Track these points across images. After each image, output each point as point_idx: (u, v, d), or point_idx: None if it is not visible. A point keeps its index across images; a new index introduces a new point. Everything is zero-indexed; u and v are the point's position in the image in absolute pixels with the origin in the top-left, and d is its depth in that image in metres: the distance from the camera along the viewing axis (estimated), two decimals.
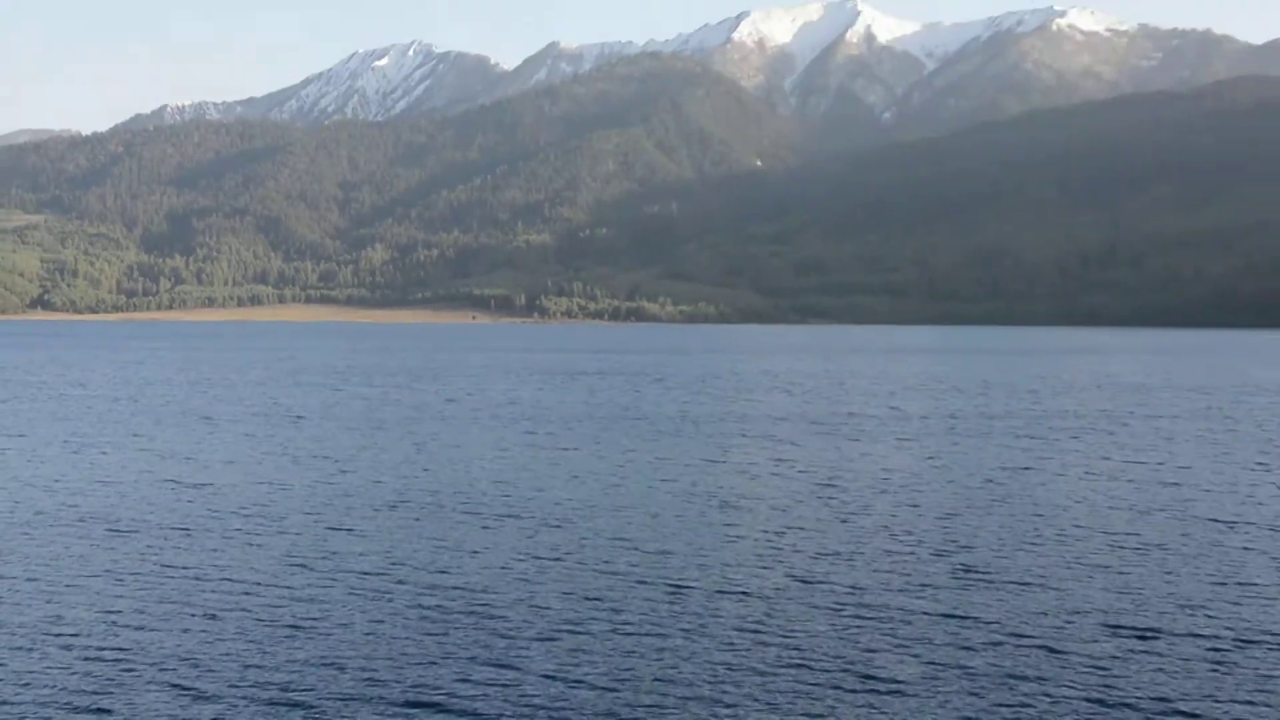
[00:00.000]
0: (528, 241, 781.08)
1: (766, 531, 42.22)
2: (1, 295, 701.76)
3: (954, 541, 40.37)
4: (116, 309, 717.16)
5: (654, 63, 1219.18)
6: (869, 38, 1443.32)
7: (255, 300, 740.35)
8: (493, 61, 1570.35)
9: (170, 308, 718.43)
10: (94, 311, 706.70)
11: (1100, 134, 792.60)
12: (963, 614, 30.55)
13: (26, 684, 24.91)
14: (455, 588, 33.19)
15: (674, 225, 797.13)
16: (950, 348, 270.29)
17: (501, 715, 23.15)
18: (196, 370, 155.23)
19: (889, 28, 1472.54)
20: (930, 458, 64.59)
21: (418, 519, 44.30)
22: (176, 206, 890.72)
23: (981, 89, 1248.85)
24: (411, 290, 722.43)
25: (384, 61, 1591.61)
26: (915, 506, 47.95)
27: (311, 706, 23.70)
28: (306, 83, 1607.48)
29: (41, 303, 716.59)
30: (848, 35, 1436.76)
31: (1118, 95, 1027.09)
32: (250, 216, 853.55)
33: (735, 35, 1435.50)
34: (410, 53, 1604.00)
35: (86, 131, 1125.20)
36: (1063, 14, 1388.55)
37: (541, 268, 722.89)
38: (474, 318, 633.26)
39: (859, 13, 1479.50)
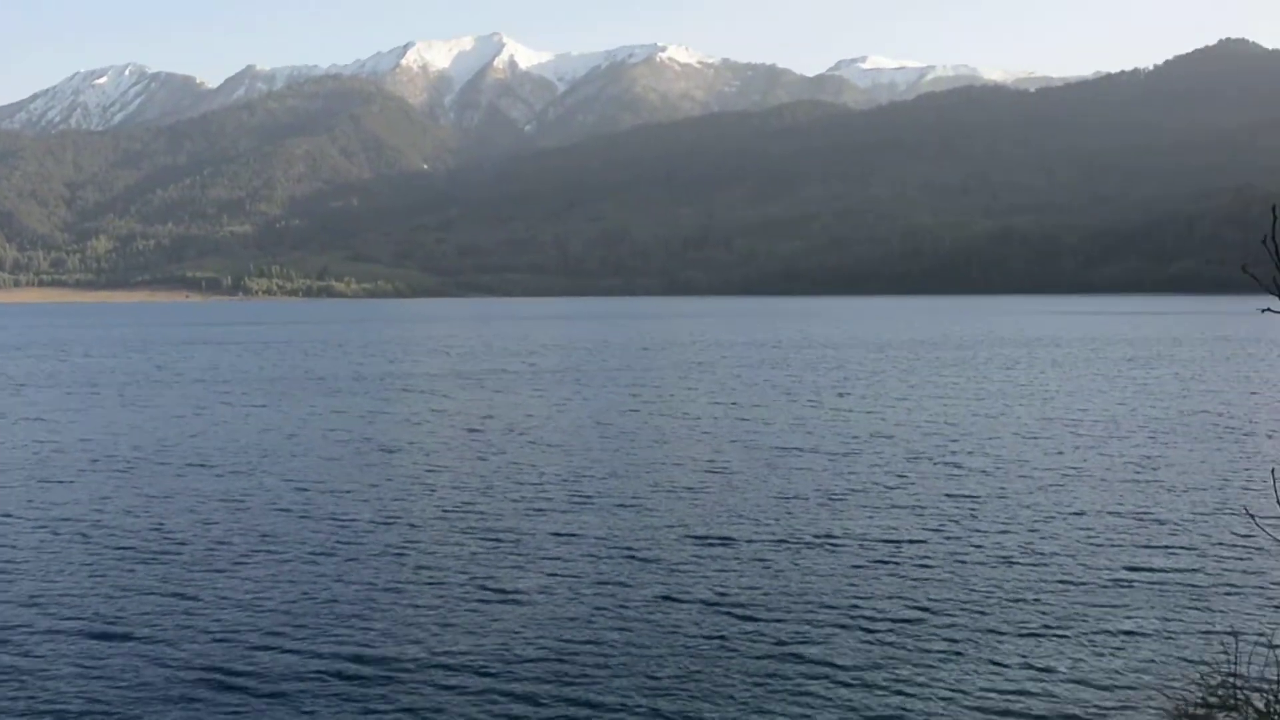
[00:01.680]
0: (232, 232, 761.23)
1: (418, 469, 41.28)
2: None
3: (571, 472, 40.13)
4: None
5: (336, 83, 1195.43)
6: (512, 64, 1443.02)
7: None
8: (198, 80, 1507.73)
9: None
10: None
11: (695, 143, 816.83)
12: (571, 532, 30.20)
13: None
14: (147, 529, 31.09)
15: (356, 217, 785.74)
16: (581, 315, 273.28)
17: (179, 638, 21.56)
18: None
19: (528, 56, 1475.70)
20: (557, 404, 64.54)
21: (120, 470, 41.65)
22: None
23: (603, 107, 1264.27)
24: (133, 274, 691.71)
25: (103, 80, 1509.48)
26: (543, 446, 47.62)
27: (5, 632, 21.61)
28: (34, 97, 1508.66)
29: None
30: (495, 62, 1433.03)
31: (708, 114, 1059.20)
32: None
33: (403, 61, 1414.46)
34: (126, 72, 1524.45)
35: None
36: (664, 49, 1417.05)
37: (245, 253, 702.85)
38: (187, 296, 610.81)
39: (504, 44, 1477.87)
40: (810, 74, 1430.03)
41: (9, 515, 33.35)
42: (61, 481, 39.38)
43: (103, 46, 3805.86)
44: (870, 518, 31.63)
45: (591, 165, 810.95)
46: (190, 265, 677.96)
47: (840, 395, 66.77)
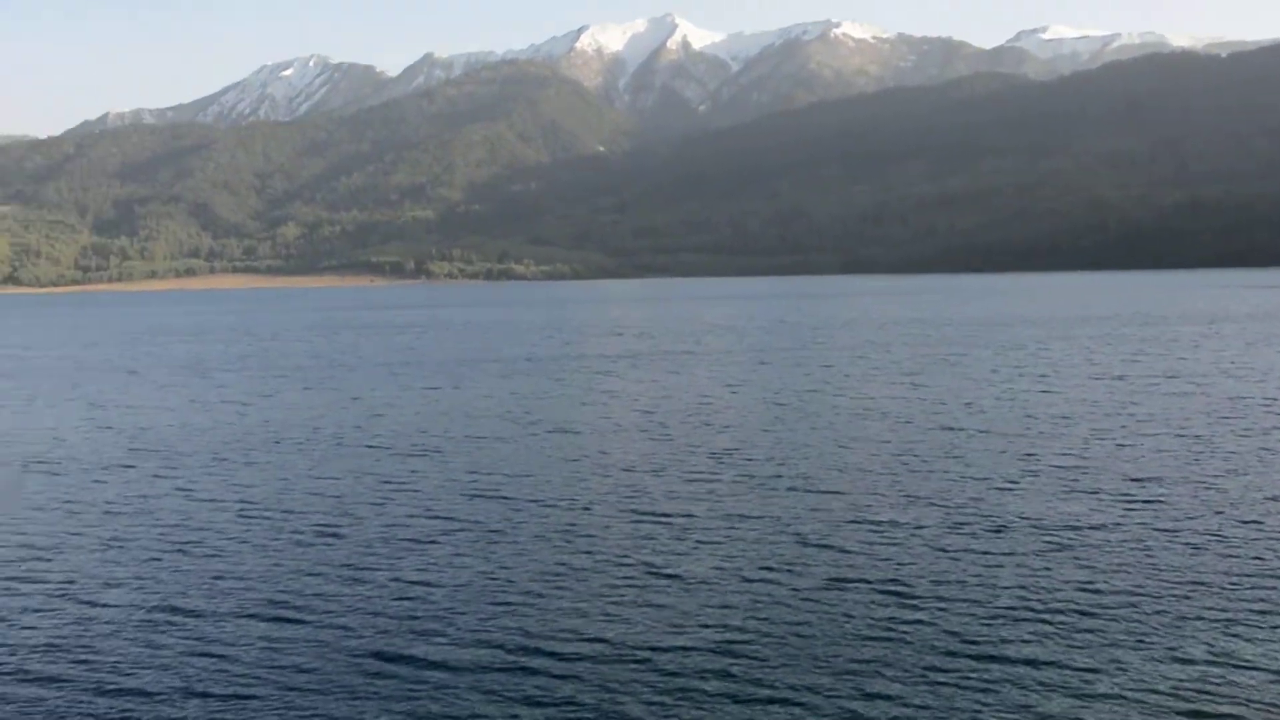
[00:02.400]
0: (414, 217, 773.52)
1: (590, 451, 41.41)
2: None
3: (743, 454, 39.77)
4: (75, 283, 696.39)
5: (512, 69, 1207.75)
6: (685, 45, 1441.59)
7: (190, 272, 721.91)
8: (378, 70, 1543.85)
9: (120, 280, 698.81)
10: (55, 285, 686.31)
11: (871, 119, 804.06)
12: (741, 514, 29.89)
13: None
14: (325, 511, 31.81)
15: (534, 201, 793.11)
16: (756, 294, 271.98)
17: (351, 620, 21.96)
18: (128, 333, 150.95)
19: (701, 37, 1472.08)
20: (730, 385, 64.22)
21: (301, 452, 42.76)
22: (121, 196, 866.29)
23: (777, 85, 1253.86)
24: (320, 260, 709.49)
25: (289, 72, 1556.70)
26: (716, 427, 47.38)
27: (190, 612, 22.30)
28: (225, 91, 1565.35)
29: (11, 279, 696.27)
30: (668, 43, 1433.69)
31: (883, 89, 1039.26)
32: (183, 203, 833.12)
33: (578, 44, 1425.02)
34: (311, 64, 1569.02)
35: (42, 135, 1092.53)
36: (839, 25, 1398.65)
37: (426, 238, 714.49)
38: (371, 281, 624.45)
39: (676, 26, 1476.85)
40: (988, 46, 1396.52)
41: (196, 496, 34.50)
42: (247, 463, 40.60)
43: (288, 40, 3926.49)
44: (1049, 502, 30.62)
45: (766, 144, 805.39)
46: (374, 250, 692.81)
47: (1020, 374, 65.03)
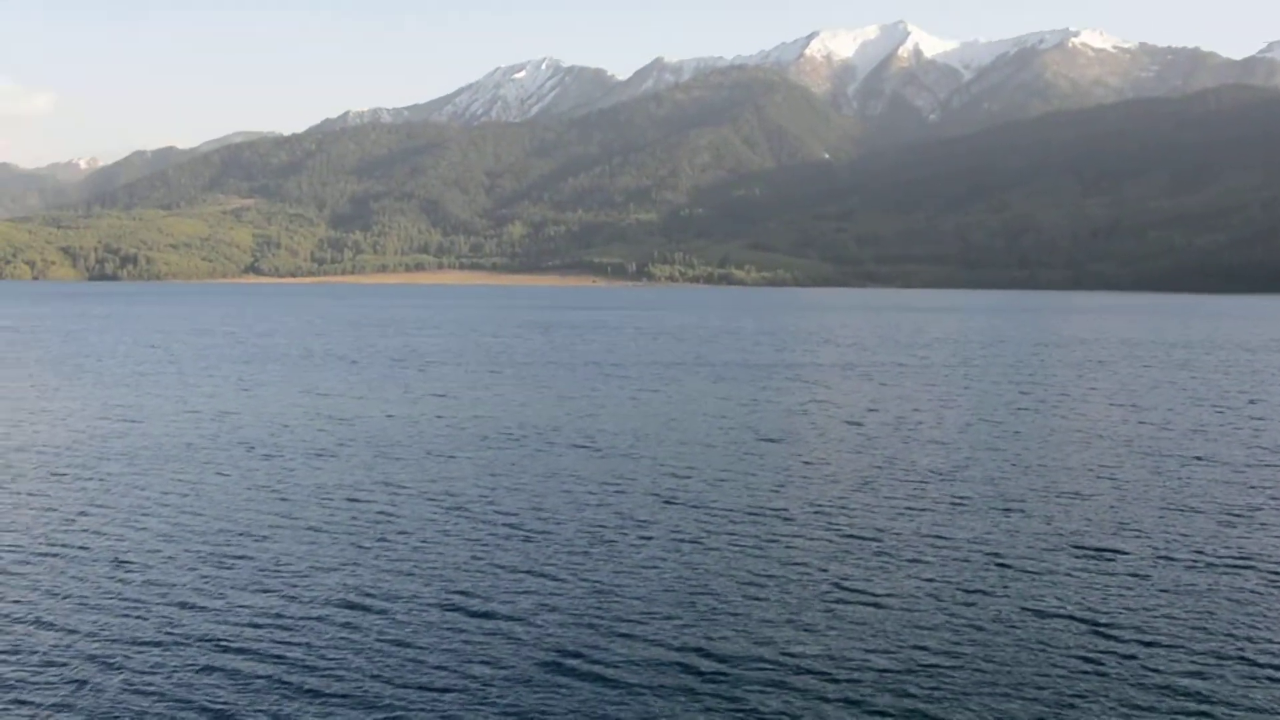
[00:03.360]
0: (638, 219, 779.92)
1: (793, 461, 40.93)
2: (223, 263, 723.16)
3: (950, 472, 38.76)
4: (310, 274, 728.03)
5: (741, 73, 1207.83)
6: (917, 53, 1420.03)
7: (419, 267, 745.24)
8: (609, 73, 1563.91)
9: (352, 272, 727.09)
10: (293, 276, 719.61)
11: (1108, 132, 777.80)
12: (941, 535, 29.04)
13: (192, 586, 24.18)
14: (525, 508, 32.20)
15: (757, 206, 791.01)
16: (980, 308, 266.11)
17: (536, 619, 22.07)
18: (355, 324, 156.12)
19: (933, 45, 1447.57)
20: (944, 400, 62.77)
21: (507, 448, 43.43)
22: (358, 192, 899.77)
23: (1010, 94, 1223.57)
24: (544, 259, 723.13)
25: (521, 74, 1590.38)
26: (924, 442, 46.33)
27: (387, 602, 22.74)
28: (459, 92, 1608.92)
29: (253, 268, 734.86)
30: (899, 51, 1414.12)
31: (1122, 100, 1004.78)
32: (415, 200, 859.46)
33: (807, 51, 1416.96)
34: (543, 66, 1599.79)
35: (287, 132, 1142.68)
36: (1077, 34, 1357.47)
37: (649, 240, 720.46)
38: (594, 281, 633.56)
39: (909, 33, 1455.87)
40: (1237, 57, 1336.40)
41: (402, 487, 35.32)
42: (452, 457, 41.43)
43: (522, 42, 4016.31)
44: (1272, 539, 28.87)
45: (996, 154, 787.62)
46: (597, 251, 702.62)
47: (1251, 402, 61.83)
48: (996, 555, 26.92)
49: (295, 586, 24.20)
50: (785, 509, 32.19)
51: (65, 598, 23.36)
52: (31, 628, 21.51)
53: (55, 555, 26.77)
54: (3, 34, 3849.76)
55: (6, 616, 22.13)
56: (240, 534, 28.94)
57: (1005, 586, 24.32)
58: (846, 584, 24.43)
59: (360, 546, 27.68)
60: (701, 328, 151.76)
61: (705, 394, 64.24)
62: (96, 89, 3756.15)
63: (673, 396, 62.68)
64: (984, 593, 23.87)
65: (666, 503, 33.02)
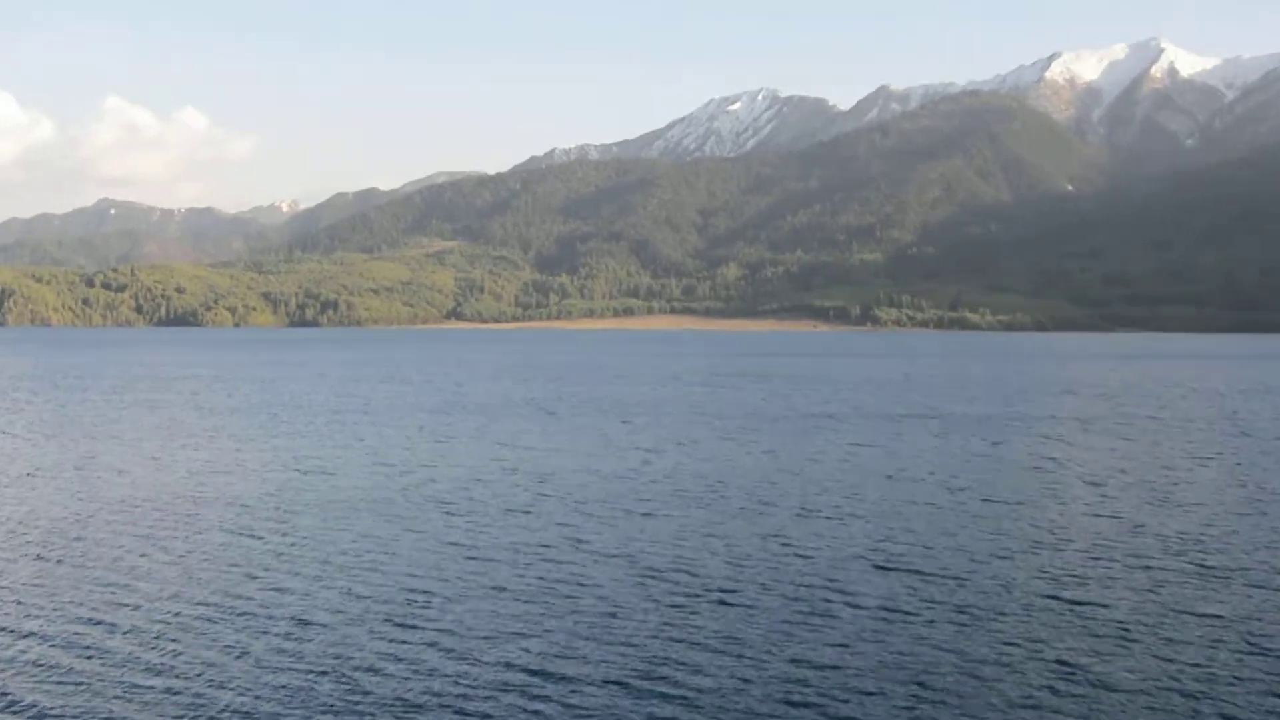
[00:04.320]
0: (862, 259, 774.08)
1: (1019, 524, 39.81)
2: (424, 308, 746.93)
3: (1205, 540, 37.12)
4: (515, 319, 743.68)
5: (974, 100, 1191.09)
6: (1172, 72, 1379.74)
7: (628, 311, 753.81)
8: (830, 103, 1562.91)
9: (558, 318, 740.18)
10: (496, 321, 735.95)
11: None
12: (1191, 611, 27.85)
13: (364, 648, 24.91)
14: (711, 571, 32.14)
15: (992, 243, 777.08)
16: (1248, 355, 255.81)
17: (723, 692, 21.99)
18: (541, 371, 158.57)
19: (1190, 63, 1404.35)
20: (1200, 459, 60.40)
21: (702, 506, 43.46)
22: (564, 232, 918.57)
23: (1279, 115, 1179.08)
24: (760, 302, 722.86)
25: (736, 106, 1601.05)
26: (1174, 506, 44.66)
27: (567, 670, 22.97)
28: (671, 125, 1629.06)
29: (455, 313, 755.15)
30: (1152, 70, 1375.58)
31: None
32: (624, 240, 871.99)
33: (1047, 74, 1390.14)
34: (759, 98, 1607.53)
35: (491, 171, 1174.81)
36: None
37: (874, 282, 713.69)
38: (814, 326, 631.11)
39: (1162, 50, 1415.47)
40: None
41: (595, 547, 35.59)
42: (645, 513, 41.63)
43: (737, 72, 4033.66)
44: None
45: (1265, 181, 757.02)
46: (818, 294, 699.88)
47: None
48: (1255, 637, 25.74)
49: (479, 651, 24.58)
50: (1008, 578, 31.36)
51: (244, 655, 24.21)
52: (209, 687, 22.34)
53: (238, 612, 27.76)
54: (207, 78, 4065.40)
55: (185, 675, 23.07)
56: (426, 593, 29.60)
57: (1268, 674, 23.23)
58: (1077, 665, 23.65)
59: (549, 610, 27.97)
60: (929, 376, 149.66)
61: (929, 449, 63.27)
62: (298, 131, 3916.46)
63: (893, 451, 61.88)
64: (1243, 681, 22.81)
65: (879, 568, 32.53)
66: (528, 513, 41.98)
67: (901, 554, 34.58)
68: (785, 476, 51.78)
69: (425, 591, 29.81)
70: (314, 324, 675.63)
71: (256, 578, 31.36)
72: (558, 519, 40.66)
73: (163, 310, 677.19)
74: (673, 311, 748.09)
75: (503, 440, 67.05)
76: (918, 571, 32.15)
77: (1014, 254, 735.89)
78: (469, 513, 41.88)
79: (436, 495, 46.08)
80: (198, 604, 28.51)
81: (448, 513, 41.92)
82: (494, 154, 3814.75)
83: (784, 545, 35.83)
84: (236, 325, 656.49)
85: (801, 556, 34.15)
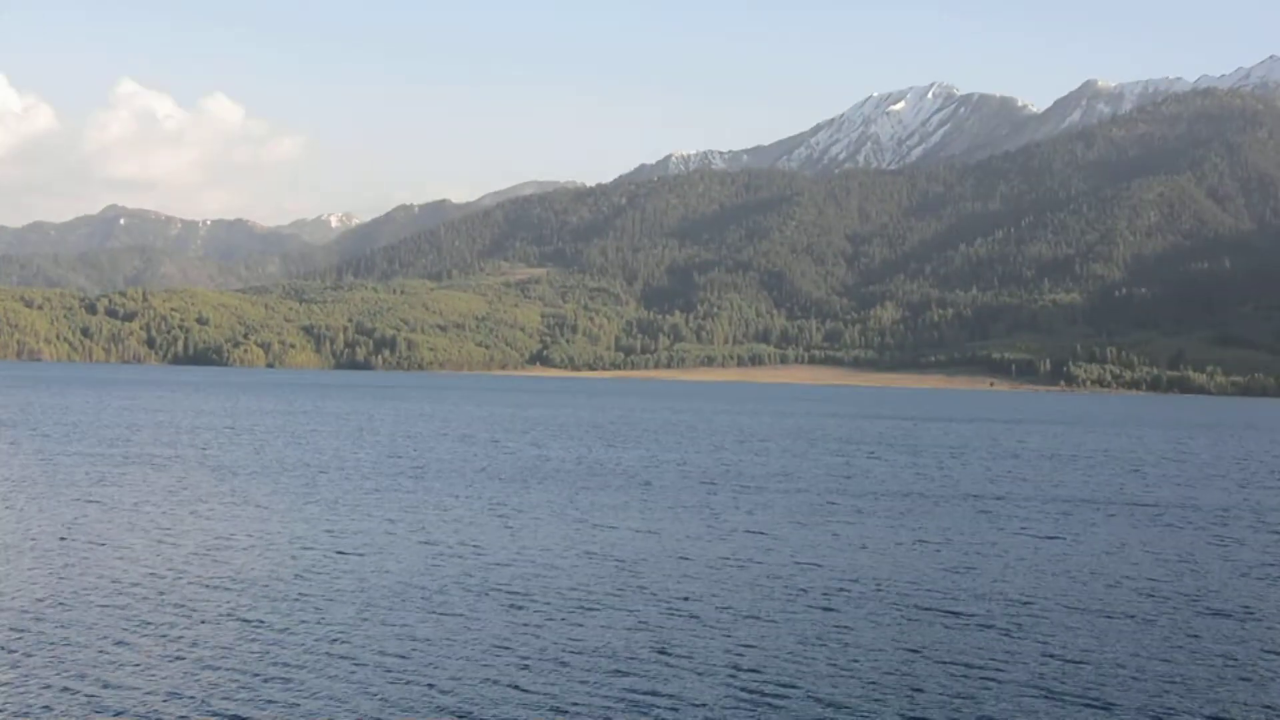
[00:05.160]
0: (1054, 301, 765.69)
1: (1233, 648, 39.18)
2: (502, 350, 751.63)
3: None
4: (614, 366, 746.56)
5: (1206, 101, 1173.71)
6: None
7: (756, 360, 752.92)
8: (1020, 103, 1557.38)
9: (668, 366, 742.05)
10: (591, 369, 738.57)
11: None
12: None
13: None
14: (856, 695, 31.98)
15: (1227, 284, 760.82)
16: None
17: None
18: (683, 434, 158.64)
19: None
20: None
21: (833, 608, 43.28)
22: (678, 259, 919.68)
23: None
24: (923, 352, 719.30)
25: (900, 105, 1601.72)
26: None
27: None
28: (817, 129, 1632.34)
29: (540, 358, 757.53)
30: None
31: None
32: (753, 271, 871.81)
33: None
34: (929, 95, 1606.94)
35: (591, 183, 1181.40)
36: None
37: (1069, 330, 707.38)
38: (991, 384, 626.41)
39: None
40: None
41: (686, 656, 35.70)
42: (758, 617, 41.67)
43: (902, 64, 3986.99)
44: None
45: None
46: (997, 344, 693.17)
47: None
48: None
49: None
50: (1203, 712, 30.97)
51: None
52: None
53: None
54: (244, 60, 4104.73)
55: None
56: (465, 706, 29.71)
57: None
58: None
59: None
60: (1134, 451, 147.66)
61: (1123, 545, 62.38)
62: (353, 128, 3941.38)
63: (1078, 548, 61.07)
64: None
65: (1050, 698, 32.40)
66: (604, 608, 42.18)
67: (1077, 677, 34.31)
68: (937, 573, 51.42)
69: (466, 702, 29.84)
70: (366, 366, 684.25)
71: (271, 681, 31.62)
72: (639, 618, 40.77)
73: (180, 345, 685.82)
74: (812, 361, 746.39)
75: (584, 517, 67.25)
76: (1098, 703, 31.76)
77: (1254, 298, 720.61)
78: (536, 608, 42.03)
79: (498, 584, 46.37)
80: (197, 717, 28.77)
81: (511, 605, 42.17)
82: (594, 162, 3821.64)
83: (934, 660, 35.58)
84: (270, 365, 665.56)
85: (956, 675, 33.94)
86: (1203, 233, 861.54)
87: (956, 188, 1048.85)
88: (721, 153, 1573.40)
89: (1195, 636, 40.26)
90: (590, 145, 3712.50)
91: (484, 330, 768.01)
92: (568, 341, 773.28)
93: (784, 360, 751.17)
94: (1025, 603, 45.41)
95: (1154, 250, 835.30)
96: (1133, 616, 43.56)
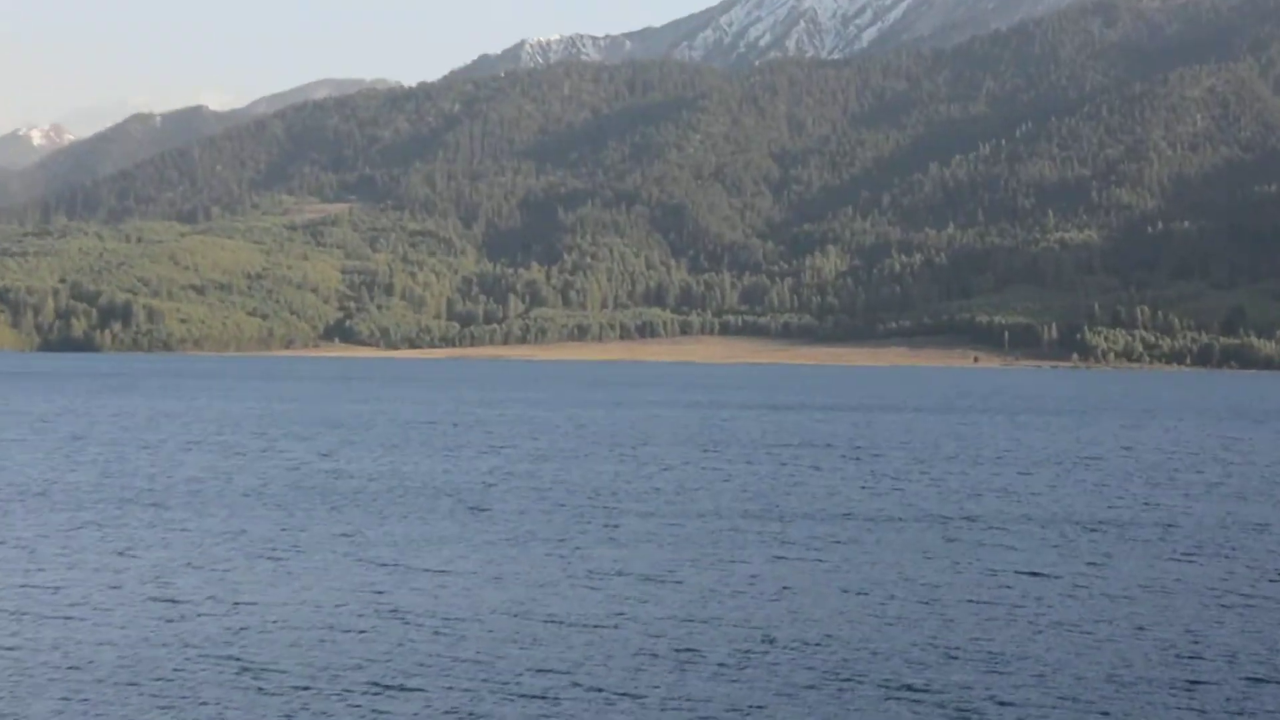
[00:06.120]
0: (1062, 242, 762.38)
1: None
2: (286, 322, 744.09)
3: None
4: (446, 342, 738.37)
5: None
6: None
7: (647, 330, 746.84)
8: None
9: (523, 341, 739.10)
10: (414, 346, 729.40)
11: None
12: None
13: None
14: None
15: None
16: None
17: None
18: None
19: None
20: None
21: (803, 655, 43.45)
22: (535, 190, 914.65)
23: None
24: (880, 316, 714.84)
25: None
26: None
27: None
28: (729, 4, 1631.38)
29: (341, 332, 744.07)
30: None
31: None
32: (641, 205, 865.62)
33: None
34: None
35: (410, 82, 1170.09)
36: None
37: (1084, 282, 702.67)
38: (975, 359, 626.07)
39: None
40: None
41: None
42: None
43: None
44: None
45: None
46: (982, 303, 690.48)
47: None
48: None
49: None
50: None
51: None
52: None
53: None
54: None
55: None
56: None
57: None
58: None
59: None
60: (1169, 450, 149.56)
61: (1149, 587, 63.10)
62: (62, 5, 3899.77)
63: (1083, 590, 61.87)
64: None
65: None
66: (416, 691, 41.96)
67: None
68: (888, 628, 51.68)
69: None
70: (88, 346, 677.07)
71: None
72: (466, 706, 40.68)
73: None
74: (725, 331, 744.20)
75: (390, 558, 67.32)
76: None
77: None
78: (309, 693, 41.90)
79: (260, 660, 46.21)
80: None
81: (275, 691, 42.00)
82: (414, 55, 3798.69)
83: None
84: None
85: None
86: (1269, 143, 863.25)
87: (925, 84, 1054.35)
88: (595, 38, 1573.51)
89: (1237, 694, 40.93)
90: (408, 30, 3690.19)
91: (259, 294, 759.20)
92: (380, 308, 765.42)
93: (686, 330, 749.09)
94: (1001, 673, 45.76)
95: (1201, 169, 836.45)
96: (1168, 700, 44.06)
